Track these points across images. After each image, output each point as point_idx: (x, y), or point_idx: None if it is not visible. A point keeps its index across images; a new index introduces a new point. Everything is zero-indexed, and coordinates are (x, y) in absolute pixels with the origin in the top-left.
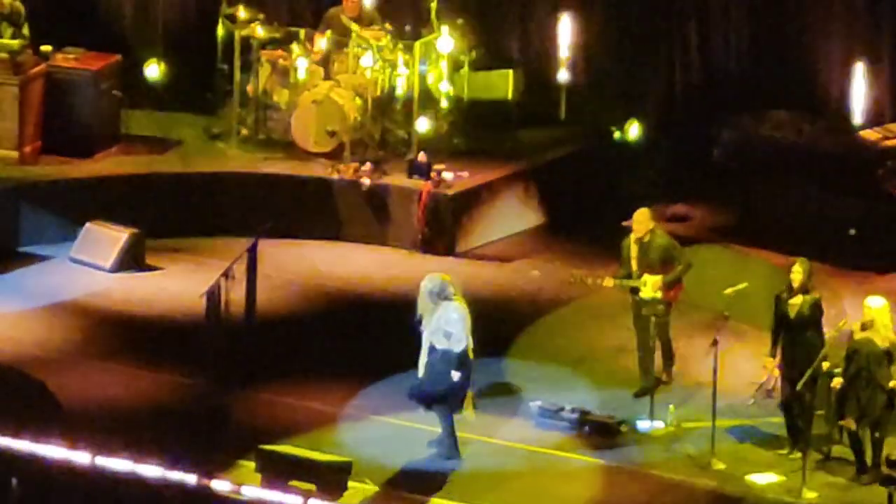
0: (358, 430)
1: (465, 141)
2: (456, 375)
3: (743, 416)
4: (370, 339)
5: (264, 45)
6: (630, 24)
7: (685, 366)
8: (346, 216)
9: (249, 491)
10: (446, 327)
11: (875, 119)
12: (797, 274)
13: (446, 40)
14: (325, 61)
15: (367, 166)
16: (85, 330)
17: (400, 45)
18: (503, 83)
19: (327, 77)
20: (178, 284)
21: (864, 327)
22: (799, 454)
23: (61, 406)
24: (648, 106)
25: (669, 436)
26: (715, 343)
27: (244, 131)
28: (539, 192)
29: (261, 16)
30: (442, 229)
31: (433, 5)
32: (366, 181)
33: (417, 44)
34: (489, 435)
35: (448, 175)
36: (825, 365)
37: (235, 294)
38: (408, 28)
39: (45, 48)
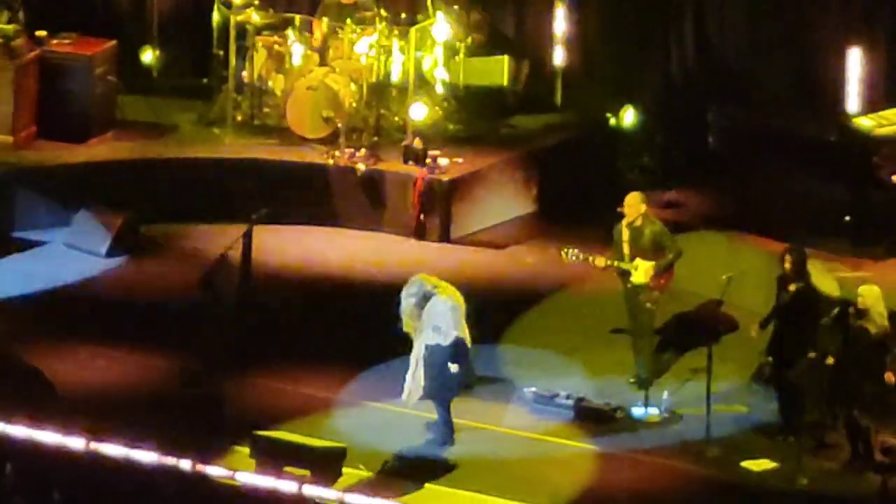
0: (352, 416)
1: (460, 127)
2: (453, 367)
3: (737, 402)
4: (365, 325)
5: (260, 30)
6: (626, 11)
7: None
8: (341, 202)
9: (244, 476)
10: (434, 321)
11: (869, 107)
12: (786, 262)
13: (442, 26)
14: (321, 47)
15: (363, 152)
16: (79, 315)
17: (395, 31)
18: (499, 69)
19: (322, 63)
20: (172, 270)
21: (859, 315)
22: (793, 441)
23: (56, 391)
24: (644, 93)
25: (664, 422)
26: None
27: (239, 117)
28: (534, 178)
29: (256, 1)
30: (437, 215)
31: None
32: (361, 167)
33: (413, 30)
34: (484, 421)
35: (443, 161)
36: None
37: (230, 279)
38: (403, 15)
39: (41, 33)
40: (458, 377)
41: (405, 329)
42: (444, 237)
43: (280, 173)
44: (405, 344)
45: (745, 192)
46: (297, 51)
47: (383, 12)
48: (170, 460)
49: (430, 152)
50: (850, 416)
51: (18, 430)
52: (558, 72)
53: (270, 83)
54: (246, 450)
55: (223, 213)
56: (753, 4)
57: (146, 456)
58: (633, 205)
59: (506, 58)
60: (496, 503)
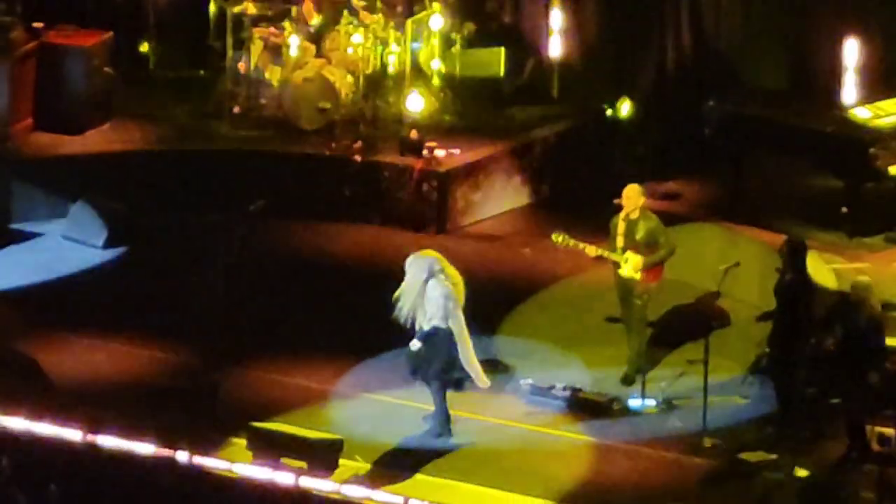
0: (349, 408)
1: (457, 118)
2: (414, 345)
3: (734, 394)
4: (361, 316)
5: (256, 22)
6: (622, 2)
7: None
8: (337, 194)
9: (241, 468)
10: (429, 307)
11: (866, 98)
12: (781, 253)
13: (438, 18)
14: (318, 39)
15: (359, 144)
16: (76, 307)
17: (391, 23)
18: (495, 61)
19: (319, 55)
20: (169, 262)
21: (852, 307)
22: (790, 431)
23: (53, 383)
24: (640, 84)
25: (661, 414)
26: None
27: (236, 109)
28: (531, 169)
29: None
30: (433, 207)
31: None
32: (357, 158)
33: (409, 21)
34: (480, 413)
35: (440, 152)
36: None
37: (227, 271)
38: (399, 9)
39: (37, 25)
40: (449, 363)
41: (404, 308)
42: (441, 228)
43: (276, 165)
44: (401, 336)
45: (741, 183)
46: (293, 42)
47: (379, 3)
48: (166, 452)
49: (427, 144)
50: (847, 407)
51: (15, 422)
52: (555, 63)
53: (267, 75)
54: (243, 441)
55: (219, 205)
56: None
57: (143, 448)
58: (632, 197)
59: (502, 49)
60: (493, 494)
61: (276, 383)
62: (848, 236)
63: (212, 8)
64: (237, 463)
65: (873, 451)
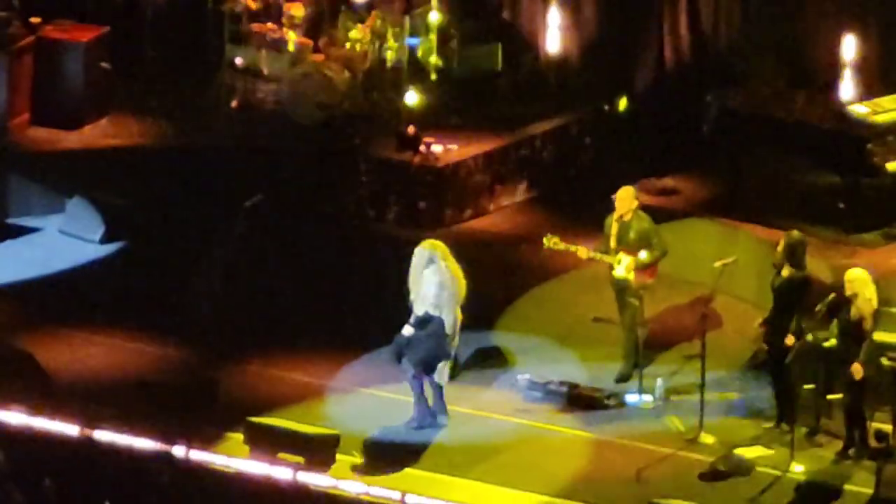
0: (346, 403)
1: (454, 114)
2: (430, 341)
3: (731, 389)
4: (357, 312)
5: (254, 16)
6: None
7: (674, 340)
8: (334, 189)
9: (238, 463)
10: (422, 292)
11: (864, 94)
12: (779, 248)
13: (435, 14)
14: (315, 33)
15: (357, 139)
16: (73, 302)
17: (389, 18)
18: (493, 56)
19: (317, 50)
20: (166, 257)
21: (847, 302)
22: (787, 427)
23: (49, 378)
24: (638, 80)
25: (658, 409)
26: (703, 318)
27: (234, 103)
28: (528, 165)
29: None
30: (431, 202)
31: None
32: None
33: (406, 17)
34: (477, 408)
35: (437, 148)
36: (810, 337)
37: (224, 266)
38: (397, 4)
39: (35, 20)
40: (431, 352)
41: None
42: (438, 224)
43: (274, 160)
44: (398, 331)
45: (739, 179)
46: (291, 37)
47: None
48: (163, 447)
49: (425, 139)
50: (845, 403)
51: (11, 417)
52: (553, 59)
53: (265, 70)
54: (240, 436)
55: (217, 200)
56: None
57: (140, 443)
58: (625, 199)
59: (499, 45)
60: (490, 489)
61: (274, 378)
62: (846, 232)
63: (209, 2)
64: (234, 458)
65: (871, 447)
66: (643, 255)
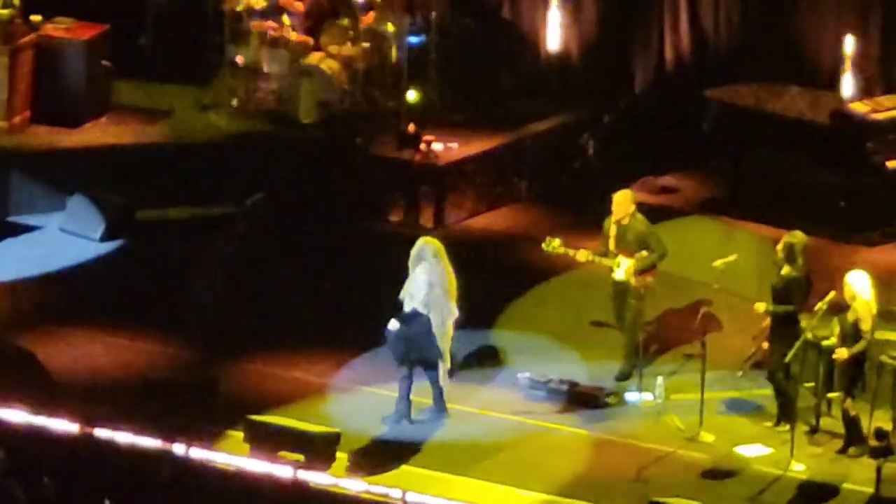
0: (346, 401)
1: (454, 112)
2: (417, 337)
3: (731, 388)
4: (358, 310)
5: (255, 15)
6: None
7: (675, 338)
8: (334, 187)
9: (238, 461)
10: (411, 289)
11: (864, 92)
12: (779, 247)
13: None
14: (315, 31)
15: (357, 138)
16: (74, 300)
17: (389, 17)
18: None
19: (317, 48)
20: (167, 255)
21: (847, 302)
22: (787, 426)
23: (50, 376)
24: (638, 79)
25: (658, 408)
26: (704, 317)
27: (234, 101)
28: (528, 163)
29: None
30: (431, 201)
31: None
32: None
33: (406, 16)
34: (478, 406)
35: (438, 146)
36: (809, 335)
37: (225, 264)
38: (398, 2)
39: (36, 18)
40: (416, 348)
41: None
42: (438, 222)
43: (274, 158)
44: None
45: (739, 178)
46: (291, 36)
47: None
48: (164, 445)
49: (425, 137)
50: (845, 402)
51: (12, 415)
52: (553, 58)
53: (265, 68)
54: (240, 434)
55: (218, 198)
56: None
57: (140, 440)
58: (622, 203)
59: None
60: (490, 488)
61: (274, 376)
62: (846, 231)
63: (210, 1)
64: (234, 456)
65: (871, 446)
66: (642, 256)
